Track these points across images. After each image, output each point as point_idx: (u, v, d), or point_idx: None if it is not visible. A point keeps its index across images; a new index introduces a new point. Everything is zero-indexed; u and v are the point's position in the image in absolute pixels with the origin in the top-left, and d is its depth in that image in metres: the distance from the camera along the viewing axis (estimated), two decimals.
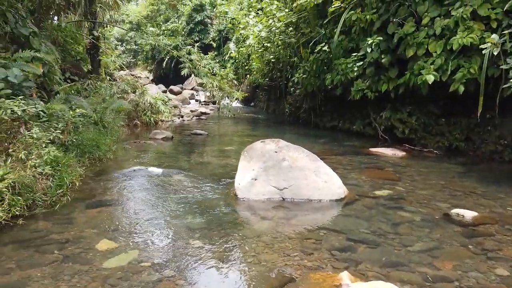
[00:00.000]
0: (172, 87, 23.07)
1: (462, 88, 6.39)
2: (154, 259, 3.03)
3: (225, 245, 3.29)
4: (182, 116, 13.64)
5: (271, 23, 12.54)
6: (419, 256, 3.10)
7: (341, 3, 8.74)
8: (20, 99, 4.49)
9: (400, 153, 7.39)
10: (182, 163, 6.57)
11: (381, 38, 7.95)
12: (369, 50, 8.16)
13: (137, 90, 11.65)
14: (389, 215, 4.06)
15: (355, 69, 8.63)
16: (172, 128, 11.21)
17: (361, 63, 8.57)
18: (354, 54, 8.79)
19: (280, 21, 12.20)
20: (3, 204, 3.44)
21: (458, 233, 3.61)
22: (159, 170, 5.77)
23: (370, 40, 8.08)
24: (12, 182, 3.59)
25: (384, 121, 8.72)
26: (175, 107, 14.66)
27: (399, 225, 3.78)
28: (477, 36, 6.18)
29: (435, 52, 6.84)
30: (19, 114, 4.30)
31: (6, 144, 4.19)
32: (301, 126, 11.86)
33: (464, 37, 6.25)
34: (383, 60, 7.94)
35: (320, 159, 5.01)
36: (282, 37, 12.65)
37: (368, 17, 8.24)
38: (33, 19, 8.33)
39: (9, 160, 3.91)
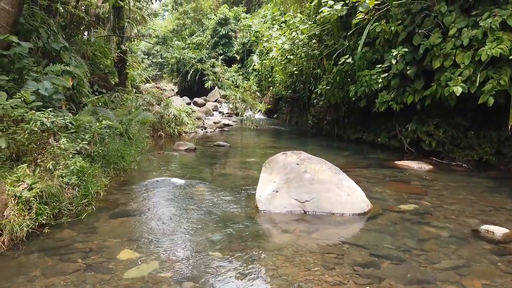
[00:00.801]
0: (196, 99, 23.47)
1: (491, 100, 6.19)
2: (175, 270, 3.03)
3: (245, 258, 3.26)
4: (205, 128, 13.79)
5: (294, 36, 12.59)
6: (446, 274, 2.98)
7: (365, 15, 8.69)
8: (50, 111, 4.65)
9: (426, 167, 7.19)
10: (204, 175, 6.61)
11: (406, 50, 7.83)
12: (394, 61, 8.05)
13: (162, 102, 11.89)
14: (415, 231, 3.93)
15: (380, 80, 8.52)
16: (195, 139, 11.34)
17: (386, 74, 8.46)
18: (379, 65, 8.68)
19: (303, 34, 12.24)
20: (30, 212, 3.54)
21: (487, 250, 3.45)
22: (181, 181, 5.82)
23: (395, 52, 7.99)
24: (39, 191, 3.69)
25: (410, 134, 8.53)
26: (199, 118, 14.85)
27: (425, 241, 3.65)
28: (507, 47, 6.00)
29: (463, 63, 6.67)
30: (48, 125, 4.44)
31: (35, 154, 4.32)
32: (324, 138, 11.76)
33: (493, 48, 6.08)
34: (408, 72, 7.81)
35: (344, 171, 4.94)
36: (305, 49, 12.67)
37: (393, 28, 8.15)
38: (64, 34, 8.69)
39: (38, 170, 4.03)
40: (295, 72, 14.40)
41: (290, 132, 14.20)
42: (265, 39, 14.91)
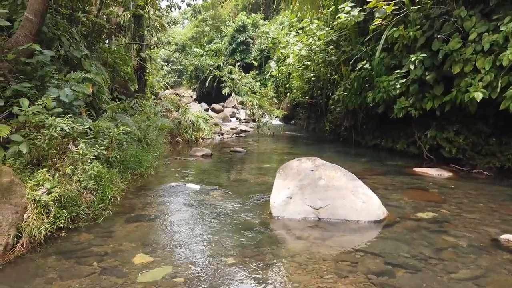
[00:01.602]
0: (214, 105, 23.67)
1: None
2: (187, 275, 3.05)
3: (258, 264, 3.25)
4: (222, 134, 13.87)
5: (311, 42, 12.58)
6: (463, 284, 2.90)
7: (382, 21, 8.62)
8: (69, 117, 4.76)
9: (446, 174, 7.04)
10: (219, 180, 6.64)
11: (425, 55, 7.71)
12: (412, 67, 7.94)
13: (179, 109, 12.03)
14: (432, 239, 3.84)
15: (398, 86, 8.40)
16: (212, 145, 11.41)
17: (404, 80, 8.34)
18: (397, 71, 8.57)
19: (321, 40, 12.21)
20: (49, 216, 3.63)
21: (507, 260, 3.34)
22: (197, 187, 5.87)
23: (413, 57, 7.87)
24: (58, 195, 3.79)
25: (429, 140, 8.36)
26: (216, 124, 14.95)
27: (443, 250, 3.56)
28: None
29: (484, 68, 6.52)
30: (68, 131, 4.56)
31: (55, 159, 4.44)
32: (341, 145, 11.65)
33: None
34: (427, 77, 7.68)
35: (361, 178, 4.88)
36: (323, 55, 12.63)
37: (411, 33, 8.04)
38: (86, 42, 8.91)
39: (57, 175, 4.13)
40: (312, 78, 14.37)
41: (307, 138, 14.13)
42: (282, 45, 14.95)
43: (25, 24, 5.54)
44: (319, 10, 13.14)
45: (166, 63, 37.79)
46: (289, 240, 4.03)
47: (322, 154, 9.49)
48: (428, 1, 7.95)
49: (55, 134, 4.37)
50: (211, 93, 28.25)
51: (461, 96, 6.85)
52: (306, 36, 13.21)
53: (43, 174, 3.98)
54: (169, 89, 24.04)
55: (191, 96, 31.30)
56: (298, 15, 15.46)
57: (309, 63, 13.75)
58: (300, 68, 14.76)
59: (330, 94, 12.98)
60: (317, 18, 13.15)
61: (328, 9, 11.90)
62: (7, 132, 4.11)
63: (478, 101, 6.42)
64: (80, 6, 9.26)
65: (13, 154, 4.13)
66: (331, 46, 12.55)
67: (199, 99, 29.23)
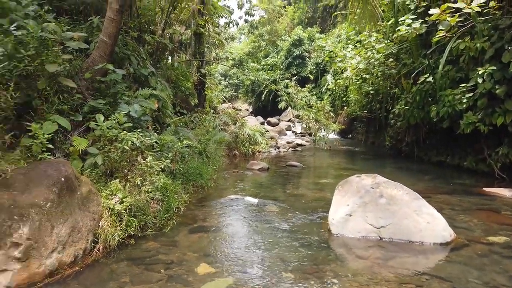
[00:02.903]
0: (269, 118, 23.89)
1: None
2: None
3: (318, 281, 3.25)
4: (278, 147, 13.95)
5: (369, 55, 12.36)
6: None
7: (446, 33, 8.27)
8: (139, 131, 5.11)
9: None
10: (277, 194, 6.69)
11: (495, 67, 7.27)
12: (480, 80, 7.52)
13: (237, 122, 12.32)
14: (506, 266, 3.58)
15: (464, 100, 7.98)
16: (268, 159, 11.52)
17: (471, 94, 7.91)
18: (463, 84, 8.16)
19: (380, 53, 11.96)
20: (121, 224, 3.91)
21: None
22: (255, 200, 5.97)
23: (481, 70, 7.46)
24: (129, 205, 4.06)
25: (501, 158, 7.80)
26: (272, 138, 15.06)
27: None
28: None
29: None
30: (138, 145, 4.89)
31: (126, 171, 4.76)
32: (402, 160, 11.21)
33: None
34: (498, 91, 7.23)
35: (425, 197, 4.68)
36: (382, 68, 12.35)
37: (478, 45, 7.63)
38: (151, 60, 9.49)
39: (128, 185, 4.44)
40: (371, 92, 14.06)
41: (365, 153, 13.78)
42: (339, 59, 14.82)
43: (100, 45, 6.05)
44: (378, 23, 12.92)
45: (223, 78, 38.94)
46: (349, 258, 3.96)
47: (382, 169, 9.23)
48: (497, 12, 7.52)
49: (127, 147, 4.70)
50: (267, 106, 28.56)
51: None
52: (364, 50, 13.00)
53: (115, 185, 4.30)
54: (226, 103, 24.72)
55: (247, 110, 31.88)
56: (356, 28, 15.27)
57: (367, 76, 13.50)
58: (357, 82, 14.52)
59: (390, 108, 12.60)
60: (376, 31, 12.91)
61: (388, 21, 11.66)
62: (86, 145, 4.51)
63: None
64: (147, 27, 9.91)
65: (90, 165, 4.50)
66: (391, 59, 12.24)
67: (255, 113, 29.69)
